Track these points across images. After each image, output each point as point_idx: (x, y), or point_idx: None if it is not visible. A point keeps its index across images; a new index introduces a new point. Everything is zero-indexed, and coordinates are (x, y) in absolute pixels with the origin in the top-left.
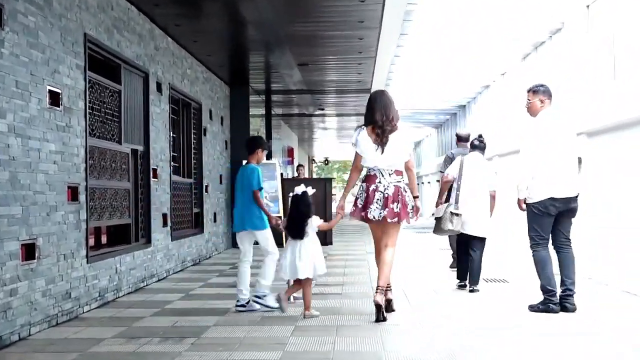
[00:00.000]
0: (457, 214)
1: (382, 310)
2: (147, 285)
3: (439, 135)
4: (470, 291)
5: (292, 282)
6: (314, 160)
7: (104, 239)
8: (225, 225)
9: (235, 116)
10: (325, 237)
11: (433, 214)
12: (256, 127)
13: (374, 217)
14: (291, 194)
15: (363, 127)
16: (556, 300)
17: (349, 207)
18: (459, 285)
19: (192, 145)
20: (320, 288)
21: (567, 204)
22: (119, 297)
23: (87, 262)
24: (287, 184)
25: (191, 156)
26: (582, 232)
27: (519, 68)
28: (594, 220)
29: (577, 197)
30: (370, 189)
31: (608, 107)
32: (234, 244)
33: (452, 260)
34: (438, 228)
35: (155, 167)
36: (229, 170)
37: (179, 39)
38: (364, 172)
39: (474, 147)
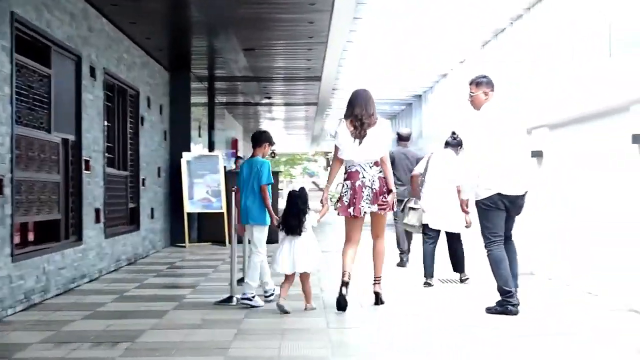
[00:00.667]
0: (414, 209)
1: (381, 297)
2: (77, 286)
3: (394, 126)
4: (462, 281)
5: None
6: None
7: (30, 236)
8: (163, 222)
9: (175, 105)
10: (271, 234)
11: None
12: (198, 116)
13: (367, 211)
14: (289, 190)
15: (343, 119)
16: (514, 301)
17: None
18: (425, 283)
19: (128, 136)
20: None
21: (514, 202)
22: (46, 299)
23: (12, 261)
24: (231, 178)
25: (127, 147)
26: (543, 229)
27: (478, 56)
28: (555, 216)
29: (524, 195)
30: (357, 185)
31: (570, 98)
32: (173, 242)
33: (399, 259)
34: (402, 223)
35: (88, 159)
36: (168, 162)
37: (115, 19)
38: (343, 169)
39: (447, 144)
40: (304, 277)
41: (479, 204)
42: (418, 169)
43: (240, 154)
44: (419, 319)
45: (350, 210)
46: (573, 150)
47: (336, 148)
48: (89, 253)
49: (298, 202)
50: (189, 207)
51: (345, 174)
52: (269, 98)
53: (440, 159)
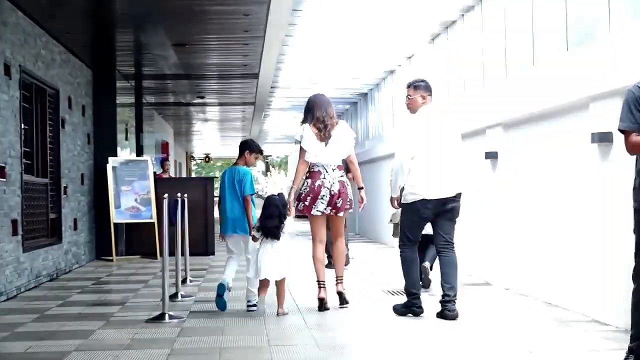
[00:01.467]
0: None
1: (344, 297)
2: None
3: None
4: (422, 270)
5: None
6: (192, 157)
7: None
8: (88, 233)
9: (99, 105)
10: (206, 247)
11: (391, 220)
12: (125, 117)
13: (318, 212)
14: (265, 194)
15: (306, 123)
16: (419, 303)
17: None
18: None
19: (48, 139)
20: (202, 305)
21: (441, 206)
22: None
23: None
24: (161, 185)
25: (47, 152)
26: (498, 235)
27: (428, 50)
28: (511, 221)
29: (455, 197)
30: (316, 184)
31: (525, 96)
32: (99, 255)
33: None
34: (396, 233)
35: (3, 165)
36: (92, 168)
37: (32, 12)
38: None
39: None
40: (281, 281)
41: (403, 205)
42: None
43: (172, 159)
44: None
45: (300, 206)
46: (529, 151)
47: (302, 150)
48: (6, 269)
49: (279, 205)
50: (115, 217)
51: (307, 172)
52: (202, 98)
53: None
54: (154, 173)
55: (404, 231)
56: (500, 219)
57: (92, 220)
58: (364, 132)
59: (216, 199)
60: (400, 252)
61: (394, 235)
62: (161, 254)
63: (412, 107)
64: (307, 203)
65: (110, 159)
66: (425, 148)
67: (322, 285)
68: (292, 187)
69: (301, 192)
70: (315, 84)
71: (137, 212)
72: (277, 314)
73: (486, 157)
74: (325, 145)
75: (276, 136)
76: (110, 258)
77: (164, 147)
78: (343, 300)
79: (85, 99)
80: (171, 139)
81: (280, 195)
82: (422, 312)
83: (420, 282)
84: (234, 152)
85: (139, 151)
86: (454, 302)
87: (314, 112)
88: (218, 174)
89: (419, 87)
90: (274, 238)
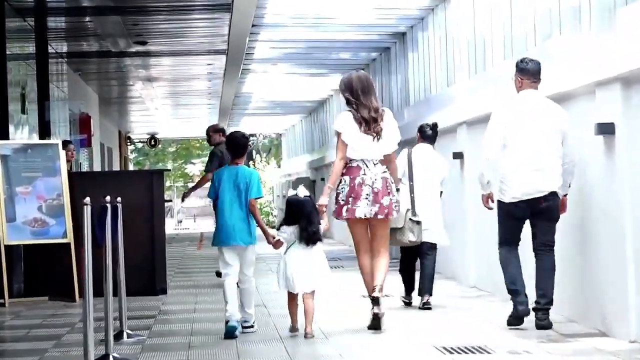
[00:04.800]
0: (417, 222)
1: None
2: None
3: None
4: (424, 305)
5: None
6: (129, 139)
7: None
8: None
9: None
10: (153, 281)
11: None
12: (20, 76)
13: (364, 215)
14: (288, 195)
15: (348, 110)
16: (522, 299)
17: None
18: (404, 301)
19: None
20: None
21: (536, 205)
22: None
23: None
24: (80, 184)
25: None
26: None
27: None
28: (480, 224)
29: (547, 197)
30: (356, 182)
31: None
32: None
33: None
34: (394, 239)
35: None
36: None
37: None
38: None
39: (425, 136)
40: (310, 295)
41: (498, 203)
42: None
43: (95, 141)
44: None
45: (344, 210)
46: None
47: (342, 144)
48: None
49: (312, 209)
50: (8, 237)
51: (343, 167)
52: (144, 44)
53: (425, 157)
54: (68, 164)
55: (498, 229)
56: (469, 221)
57: None
58: (402, 95)
59: (206, 201)
60: (498, 252)
61: (390, 243)
62: (81, 295)
63: (516, 89)
64: (350, 205)
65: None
66: (519, 137)
67: (373, 290)
68: (327, 187)
69: (338, 192)
70: (323, 21)
71: (43, 228)
72: (306, 336)
73: (453, 157)
74: (373, 139)
75: (262, 104)
76: (1, 301)
77: (84, 124)
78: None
79: None
80: (95, 111)
81: (310, 197)
82: (527, 311)
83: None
84: (195, 131)
85: (44, 130)
86: (546, 310)
87: (359, 100)
88: (171, 164)
89: (522, 68)
90: (314, 244)
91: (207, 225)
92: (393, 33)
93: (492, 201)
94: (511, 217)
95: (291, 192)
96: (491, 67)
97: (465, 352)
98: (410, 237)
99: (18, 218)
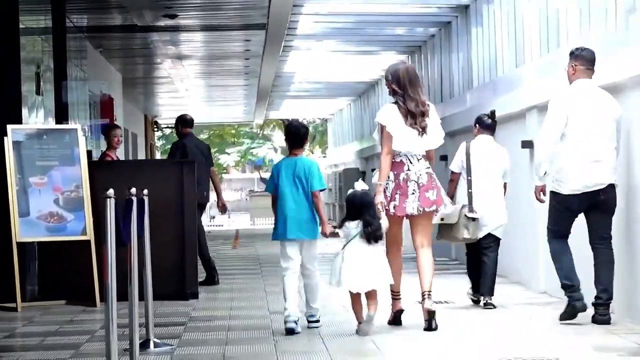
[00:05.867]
0: (473, 219)
1: (434, 317)
2: None
3: (424, 64)
4: (485, 305)
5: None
6: (156, 124)
7: None
8: None
9: None
10: (183, 284)
11: (443, 219)
12: (34, 55)
13: (413, 212)
14: (348, 192)
15: (395, 102)
16: (578, 295)
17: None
18: (472, 299)
19: None
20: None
21: (592, 198)
22: None
23: None
24: (101, 174)
25: None
26: None
27: None
28: None
29: (605, 189)
30: (401, 178)
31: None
32: None
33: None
34: (448, 235)
35: None
36: None
37: None
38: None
39: (484, 127)
40: (374, 292)
41: (553, 194)
42: (455, 168)
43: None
44: None
45: (391, 207)
46: None
47: (388, 137)
48: None
49: (373, 204)
50: (21, 234)
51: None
52: (173, 17)
53: (484, 150)
54: (88, 152)
55: (549, 222)
56: None
57: None
58: (464, 77)
59: (265, 196)
60: (549, 245)
61: (441, 237)
62: (103, 298)
63: (569, 78)
64: (396, 202)
65: (9, 128)
66: (578, 128)
67: (397, 297)
68: (379, 185)
69: (364, 190)
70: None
71: (60, 223)
72: (368, 317)
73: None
74: (418, 134)
75: (305, 86)
76: (13, 305)
77: (106, 107)
78: (431, 323)
79: None
80: (118, 93)
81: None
82: (584, 307)
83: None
84: (231, 116)
85: (61, 114)
86: (607, 305)
87: (406, 93)
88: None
89: (577, 55)
90: (376, 242)
91: (243, 222)
92: (455, 6)
93: (545, 194)
94: (567, 209)
95: (347, 189)
96: (565, 44)
97: None
98: (464, 234)
99: (32, 212)
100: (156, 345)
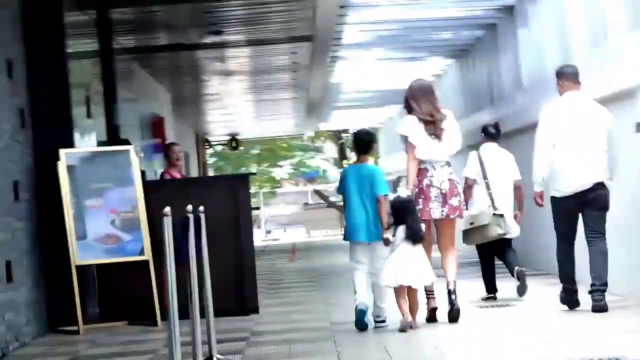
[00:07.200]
0: (500, 215)
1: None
2: None
3: (462, 71)
4: (520, 285)
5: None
6: (207, 142)
7: None
8: (31, 287)
9: (37, 57)
10: (243, 299)
11: (472, 223)
12: (83, 79)
13: (436, 217)
14: (391, 198)
15: (412, 114)
16: (574, 296)
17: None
18: (487, 298)
19: None
20: None
21: (583, 197)
22: None
23: None
24: (156, 193)
25: None
26: None
27: None
28: None
29: (596, 186)
30: (424, 184)
31: None
32: (53, 324)
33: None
34: (479, 236)
35: None
36: (31, 170)
37: None
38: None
39: (490, 136)
40: (415, 291)
41: (551, 199)
42: (471, 175)
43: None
44: None
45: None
46: None
47: (411, 145)
48: None
49: (415, 209)
50: (79, 256)
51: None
52: (219, 33)
53: (494, 156)
54: (142, 173)
55: (555, 225)
56: None
57: (37, 263)
58: (513, 78)
59: (319, 208)
60: (557, 246)
61: (467, 241)
62: (164, 317)
63: (559, 94)
64: (420, 207)
65: (62, 152)
66: (566, 137)
67: (431, 296)
68: (409, 189)
69: (409, 196)
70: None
71: (117, 245)
72: (411, 327)
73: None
74: (436, 141)
75: (354, 96)
76: (75, 328)
77: (157, 127)
78: (454, 314)
79: (10, 47)
80: (168, 112)
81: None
82: (577, 304)
83: (517, 291)
84: (281, 129)
85: (113, 136)
86: (601, 291)
87: (420, 105)
88: (255, 167)
89: (561, 74)
90: (420, 242)
91: (299, 235)
92: (499, 7)
93: (543, 199)
94: (564, 211)
95: (391, 195)
96: (613, 39)
97: None
98: (498, 231)
99: (89, 235)
100: None
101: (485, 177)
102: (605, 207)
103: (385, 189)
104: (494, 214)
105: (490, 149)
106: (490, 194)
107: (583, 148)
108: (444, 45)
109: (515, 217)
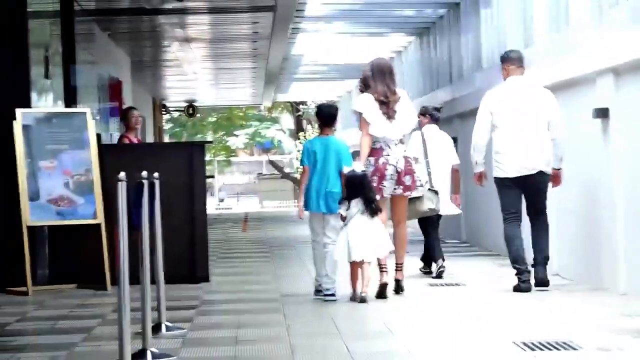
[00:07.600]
0: (435, 192)
1: (402, 286)
2: None
3: (423, 49)
4: (439, 270)
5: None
6: (164, 107)
7: None
8: None
9: None
10: (193, 267)
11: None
12: (41, 38)
13: (388, 194)
14: (346, 172)
15: (367, 92)
16: (524, 277)
17: None
18: (424, 272)
19: None
20: None
21: (524, 182)
22: None
23: None
24: (112, 157)
25: None
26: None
27: None
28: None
29: (537, 174)
30: (380, 162)
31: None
32: (3, 285)
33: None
34: (413, 211)
35: None
36: None
37: None
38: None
39: (433, 119)
40: (369, 264)
41: (495, 179)
42: (413, 152)
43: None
44: None
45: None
46: None
47: (365, 122)
48: None
49: (370, 183)
50: (31, 217)
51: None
52: (181, 0)
53: (434, 137)
54: (98, 136)
55: (500, 204)
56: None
57: None
58: (473, 58)
59: (273, 179)
60: (503, 228)
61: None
62: (115, 282)
63: (504, 79)
64: (375, 184)
65: (19, 112)
66: (508, 120)
67: (384, 269)
68: (363, 163)
69: (363, 171)
70: None
71: (70, 207)
72: (362, 298)
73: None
74: (390, 121)
75: (314, 68)
76: (24, 289)
77: (115, 90)
78: (399, 288)
79: None
80: (127, 76)
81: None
82: (528, 288)
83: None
84: (239, 98)
85: (70, 97)
86: (543, 264)
87: (376, 85)
88: (212, 135)
89: (506, 59)
90: (377, 215)
91: (252, 205)
92: None
93: (486, 178)
94: (507, 188)
95: (346, 169)
96: (574, 25)
97: (549, 349)
98: (429, 205)
99: (42, 196)
100: (168, 328)
101: (426, 156)
102: (545, 190)
103: (350, 162)
104: (429, 189)
105: (432, 130)
106: (429, 173)
107: (524, 130)
108: (406, 22)
109: (454, 199)
